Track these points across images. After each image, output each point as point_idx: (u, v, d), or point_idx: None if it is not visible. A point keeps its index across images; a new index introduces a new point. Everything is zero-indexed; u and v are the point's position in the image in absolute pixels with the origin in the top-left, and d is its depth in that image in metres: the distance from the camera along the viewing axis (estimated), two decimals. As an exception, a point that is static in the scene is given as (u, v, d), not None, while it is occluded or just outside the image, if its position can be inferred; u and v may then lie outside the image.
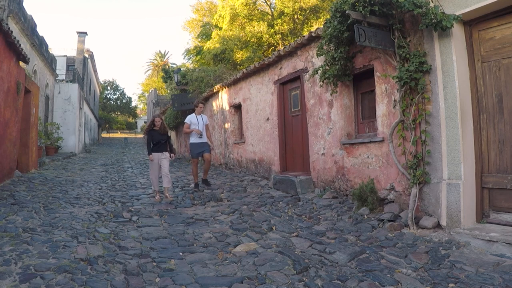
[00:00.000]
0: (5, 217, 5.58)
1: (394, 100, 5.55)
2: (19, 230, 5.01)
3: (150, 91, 40.86)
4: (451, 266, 3.79)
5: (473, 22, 4.79)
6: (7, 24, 8.33)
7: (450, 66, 4.75)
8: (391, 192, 5.69)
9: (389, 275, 3.64)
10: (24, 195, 7.39)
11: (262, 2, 22.28)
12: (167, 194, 8.12)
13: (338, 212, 6.06)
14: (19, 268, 3.74)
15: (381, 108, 5.92)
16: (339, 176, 6.90)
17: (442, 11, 4.71)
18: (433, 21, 4.65)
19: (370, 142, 6.12)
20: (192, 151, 8.89)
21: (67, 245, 4.61)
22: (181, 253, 4.49)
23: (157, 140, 8.14)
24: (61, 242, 4.70)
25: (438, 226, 4.80)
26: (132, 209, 7.02)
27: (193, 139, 8.78)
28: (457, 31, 4.78)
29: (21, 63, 9.98)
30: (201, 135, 8.72)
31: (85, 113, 26.26)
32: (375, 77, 6.07)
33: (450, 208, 4.64)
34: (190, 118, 8.89)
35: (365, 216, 5.63)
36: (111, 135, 55.33)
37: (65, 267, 3.81)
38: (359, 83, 6.79)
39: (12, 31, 8.35)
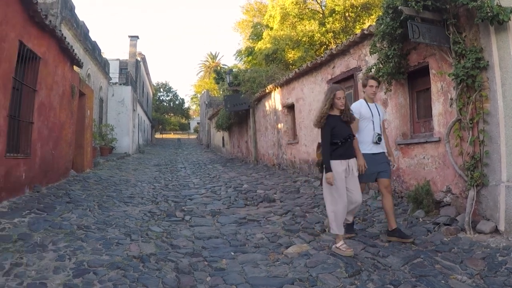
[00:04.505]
0: (61, 214, 5.80)
1: (450, 99, 5.35)
2: (74, 227, 5.21)
3: (203, 92, 41.44)
4: (508, 273, 3.63)
5: (532, 15, 4.54)
6: (60, 30, 8.75)
7: (508, 61, 4.53)
8: (447, 194, 5.49)
9: (443, 281, 3.54)
10: (79, 194, 7.67)
11: (313, 0, 22.12)
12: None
13: (393, 215, 5.93)
14: (73, 264, 3.90)
15: (437, 107, 5.73)
16: (394, 178, 6.73)
17: (498, 4, 4.49)
18: (489, 14, 4.44)
19: (426, 142, 5.94)
20: None
21: (120, 242, 4.77)
22: (232, 253, 4.56)
23: (343, 135, 4.49)
24: (115, 239, 4.87)
25: (496, 231, 4.57)
26: (185, 209, 7.12)
27: (365, 146, 4.93)
28: (515, 24, 4.55)
29: (75, 68, 10.43)
30: (378, 139, 4.95)
31: (138, 114, 26.96)
32: (430, 75, 5.89)
33: (509, 212, 4.41)
34: (359, 108, 5.08)
35: (420, 219, 5.47)
36: (164, 136, 56.42)
37: (117, 264, 3.96)
38: (414, 81, 6.60)
39: (65, 37, 8.74)
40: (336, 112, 4.56)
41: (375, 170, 4.89)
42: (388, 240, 4.84)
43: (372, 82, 5.09)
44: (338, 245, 4.45)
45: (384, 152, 5.04)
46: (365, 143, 4.93)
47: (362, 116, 5.01)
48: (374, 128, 4.96)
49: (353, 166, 4.55)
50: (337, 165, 4.44)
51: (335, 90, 4.53)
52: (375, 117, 5.02)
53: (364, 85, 5.17)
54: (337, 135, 4.46)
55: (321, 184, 4.72)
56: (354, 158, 4.61)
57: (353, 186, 4.54)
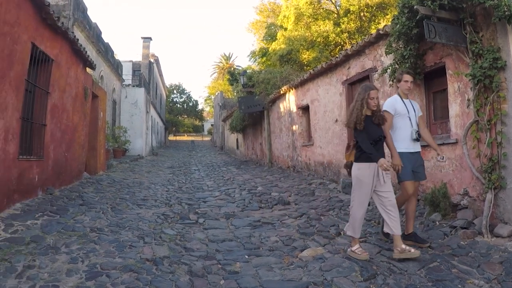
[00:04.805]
0: (74, 217, 5.82)
1: (467, 100, 5.27)
2: (87, 229, 5.21)
3: (217, 94, 41.38)
4: (527, 278, 3.54)
5: (551, 13, 4.44)
6: (72, 32, 8.72)
7: (527, 62, 4.43)
8: (464, 197, 5.40)
9: (460, 286, 3.50)
10: (92, 196, 7.68)
11: (327, 0, 21.99)
12: (403, 246, 4.24)
13: (409, 217, 5.86)
14: (86, 266, 3.91)
15: (454, 108, 5.65)
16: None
17: (516, 2, 4.42)
18: (506, 13, 4.38)
19: (443, 144, 5.84)
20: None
21: (133, 245, 4.76)
22: (246, 256, 4.55)
23: (374, 136, 4.37)
24: (128, 242, 4.87)
25: (514, 234, 4.47)
26: (199, 211, 7.12)
27: (402, 145, 4.68)
28: (533, 23, 4.46)
29: (88, 69, 10.46)
30: (417, 137, 4.73)
31: (151, 116, 26.86)
32: (447, 75, 5.80)
33: (529, 216, 4.32)
34: (394, 104, 4.79)
35: (437, 222, 5.39)
36: (178, 138, 56.26)
37: (130, 267, 3.96)
38: (430, 82, 6.51)
39: (78, 39, 8.71)
40: (367, 112, 4.39)
41: (413, 167, 4.67)
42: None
43: (407, 77, 4.85)
44: (353, 248, 4.40)
45: (420, 152, 4.84)
46: (403, 141, 4.69)
47: (398, 113, 4.74)
48: (412, 125, 4.73)
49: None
50: (365, 169, 4.30)
51: (369, 89, 4.39)
52: (411, 113, 4.77)
53: (399, 80, 4.94)
54: (368, 136, 4.31)
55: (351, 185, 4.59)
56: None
57: (386, 190, 4.34)
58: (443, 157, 4.88)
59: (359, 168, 4.37)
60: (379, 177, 4.31)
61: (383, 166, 4.16)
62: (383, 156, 4.36)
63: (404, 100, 4.85)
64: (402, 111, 4.74)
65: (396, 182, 5.00)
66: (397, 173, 4.56)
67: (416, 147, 4.77)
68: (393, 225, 4.28)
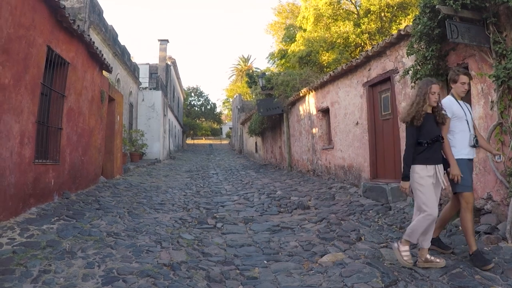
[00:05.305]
0: (90, 221, 5.80)
1: (491, 101, 5.15)
2: (103, 234, 5.18)
3: (235, 96, 41.31)
4: (553, 286, 3.43)
5: None
6: (88, 35, 8.69)
7: (553, 62, 4.30)
8: (488, 202, 5.27)
9: (483, 293, 3.39)
10: (108, 201, 7.69)
11: (347, 0, 21.82)
12: (428, 256, 4.13)
13: (431, 222, 5.74)
14: (102, 271, 3.88)
15: (478, 110, 5.52)
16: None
17: (540, 2, 4.30)
18: (531, 13, 4.27)
19: (466, 146, 5.73)
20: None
21: (150, 250, 4.73)
22: (265, 261, 4.53)
23: (431, 135, 4.08)
24: (145, 247, 4.83)
25: (539, 240, 4.33)
26: (217, 216, 7.09)
27: (461, 151, 4.31)
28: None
29: (104, 72, 10.46)
30: (476, 142, 4.32)
31: (169, 119, 26.77)
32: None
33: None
34: (451, 106, 4.37)
35: (460, 227, 5.24)
36: (195, 141, 56.45)
37: (147, 272, 3.93)
38: (453, 83, 6.40)
39: (94, 42, 8.67)
40: (428, 110, 4.14)
41: (471, 178, 4.31)
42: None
43: (464, 78, 4.42)
44: (401, 248, 4.19)
45: (473, 159, 4.48)
46: (460, 147, 4.30)
47: (455, 115, 4.34)
48: (469, 129, 4.35)
49: (441, 174, 4.08)
50: (422, 170, 4.02)
51: (431, 83, 4.11)
52: (468, 116, 4.40)
53: (454, 81, 4.48)
54: (425, 134, 4.02)
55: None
56: (441, 164, 4.14)
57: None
58: (500, 156, 4.54)
59: (416, 171, 4.06)
60: (438, 179, 4.09)
61: (404, 190, 4.01)
62: (440, 159, 4.14)
63: (460, 102, 4.48)
64: (459, 114, 4.37)
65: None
66: (455, 183, 4.19)
67: (473, 154, 4.41)
68: (423, 234, 4.12)
